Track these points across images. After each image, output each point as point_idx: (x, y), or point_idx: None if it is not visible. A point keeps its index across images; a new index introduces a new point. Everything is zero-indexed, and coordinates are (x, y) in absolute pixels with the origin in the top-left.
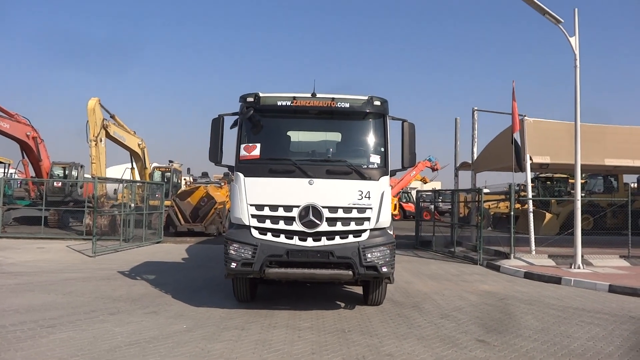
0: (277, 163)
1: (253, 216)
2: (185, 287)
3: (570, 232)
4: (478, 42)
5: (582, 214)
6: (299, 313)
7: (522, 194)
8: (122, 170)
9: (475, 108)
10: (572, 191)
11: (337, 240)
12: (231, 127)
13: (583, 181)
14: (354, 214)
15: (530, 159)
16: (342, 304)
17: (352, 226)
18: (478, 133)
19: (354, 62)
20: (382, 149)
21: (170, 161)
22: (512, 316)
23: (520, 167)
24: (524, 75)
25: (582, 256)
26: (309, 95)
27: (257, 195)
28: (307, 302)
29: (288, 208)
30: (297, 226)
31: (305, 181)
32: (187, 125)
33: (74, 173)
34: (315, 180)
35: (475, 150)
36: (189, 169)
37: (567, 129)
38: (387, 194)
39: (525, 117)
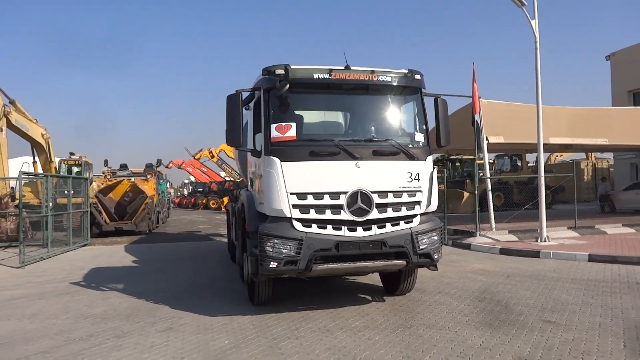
0: (319, 144)
1: (295, 206)
2: (174, 295)
3: (529, 207)
4: (433, 23)
5: (494, 191)
6: (335, 312)
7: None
8: (19, 164)
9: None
10: (480, 171)
11: (389, 228)
12: (245, 108)
13: (492, 161)
14: (405, 198)
15: (487, 139)
16: (368, 297)
17: (403, 211)
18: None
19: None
20: (424, 127)
21: (71, 153)
22: (543, 294)
23: (479, 147)
24: (474, 57)
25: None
26: (344, 67)
27: (298, 182)
28: (327, 298)
29: (335, 195)
30: (345, 215)
31: (351, 164)
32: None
33: None
34: (362, 162)
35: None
36: (106, 161)
37: (519, 110)
38: (434, 175)
39: (480, 99)
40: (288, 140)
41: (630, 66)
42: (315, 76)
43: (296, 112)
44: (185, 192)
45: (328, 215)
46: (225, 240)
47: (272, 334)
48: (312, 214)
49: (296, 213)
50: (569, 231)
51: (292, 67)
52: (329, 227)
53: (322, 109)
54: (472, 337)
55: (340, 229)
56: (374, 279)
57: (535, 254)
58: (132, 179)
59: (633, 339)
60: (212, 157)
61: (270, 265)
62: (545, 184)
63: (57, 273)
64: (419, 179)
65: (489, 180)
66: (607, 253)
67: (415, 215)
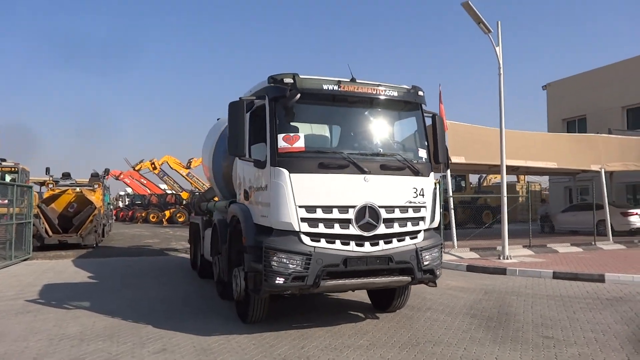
0: (328, 157)
1: (303, 219)
2: (151, 313)
3: (488, 225)
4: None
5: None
6: (333, 330)
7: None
8: None
9: None
10: None
11: (395, 243)
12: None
13: (437, 180)
14: (410, 213)
15: (449, 158)
16: (360, 314)
17: (409, 227)
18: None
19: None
20: (426, 143)
21: (2, 159)
22: (527, 310)
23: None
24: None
25: (501, 248)
26: (349, 80)
27: (307, 194)
28: (318, 316)
29: (343, 209)
30: (353, 230)
31: (360, 177)
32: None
33: None
34: (369, 176)
35: None
36: (48, 169)
37: (480, 132)
38: (437, 191)
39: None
40: (296, 151)
41: (565, 96)
42: (325, 87)
43: (302, 123)
44: (121, 204)
45: (337, 229)
46: (184, 255)
47: (279, 354)
48: (321, 228)
49: (305, 227)
50: (524, 249)
51: (300, 76)
52: (337, 241)
53: (327, 121)
54: (483, 354)
55: (348, 244)
56: (359, 296)
57: (502, 271)
58: (78, 188)
59: (634, 354)
60: (154, 168)
61: (277, 281)
62: (487, 205)
63: (6, 289)
64: (423, 195)
65: (451, 199)
66: (569, 271)
67: (419, 231)
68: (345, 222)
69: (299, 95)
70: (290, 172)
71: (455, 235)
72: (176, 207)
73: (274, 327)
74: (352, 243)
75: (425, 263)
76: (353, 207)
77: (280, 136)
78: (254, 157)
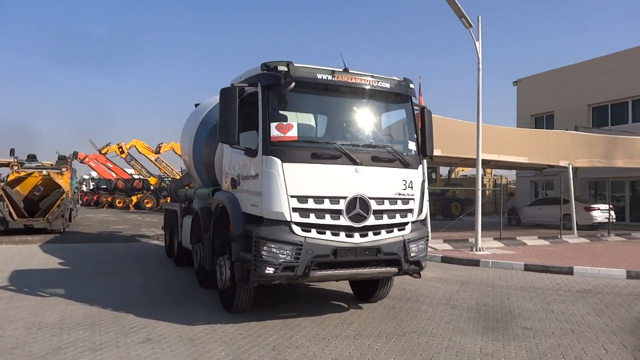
0: (321, 147)
1: (295, 210)
2: (130, 302)
3: (460, 218)
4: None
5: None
6: (319, 319)
7: None
8: None
9: None
10: None
11: (384, 235)
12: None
13: None
14: (399, 205)
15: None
16: (343, 304)
17: (397, 219)
18: None
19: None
20: (415, 136)
21: None
22: (504, 301)
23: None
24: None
25: (474, 240)
26: (342, 70)
27: (299, 184)
28: (302, 306)
29: (334, 200)
30: (344, 220)
31: (351, 168)
32: None
33: None
34: (361, 167)
35: None
36: (12, 150)
37: (455, 126)
38: (425, 183)
39: None
40: (288, 140)
41: (534, 93)
42: (319, 76)
43: (292, 112)
44: (85, 188)
45: (328, 220)
46: (156, 242)
47: (268, 344)
48: (312, 218)
49: (296, 217)
50: (495, 242)
51: (294, 64)
52: (328, 232)
53: (319, 111)
54: (468, 343)
55: (338, 234)
56: (339, 286)
57: (475, 263)
58: (45, 171)
59: (609, 344)
60: (122, 152)
61: (266, 271)
62: (455, 197)
63: None
64: (412, 187)
65: (427, 191)
66: (540, 263)
67: (407, 223)
68: (336, 213)
69: (293, 84)
70: (282, 162)
71: (430, 226)
72: (144, 193)
73: (259, 316)
74: (342, 234)
75: (412, 255)
76: (344, 198)
77: (273, 125)
78: (243, 144)
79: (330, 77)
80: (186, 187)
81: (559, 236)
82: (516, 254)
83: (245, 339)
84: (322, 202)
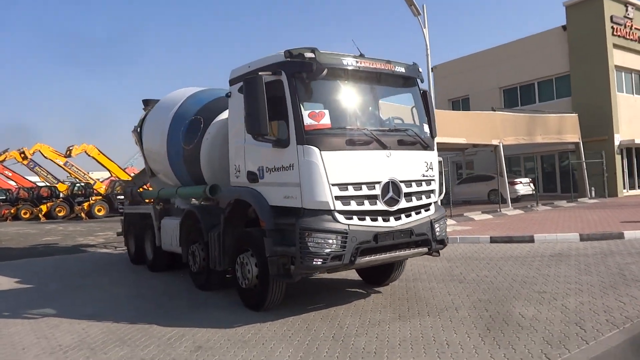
0: (354, 133)
1: (337, 198)
2: (140, 311)
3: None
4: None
5: None
6: (351, 307)
7: None
8: None
9: None
10: None
11: (414, 216)
12: (227, 95)
13: None
14: (424, 187)
15: None
16: (360, 290)
17: (424, 200)
18: None
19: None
20: (427, 118)
21: None
22: (499, 272)
23: None
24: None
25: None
26: (359, 55)
27: (338, 172)
28: (320, 297)
29: (371, 185)
30: (380, 205)
31: (382, 153)
32: None
33: None
34: (390, 151)
35: None
36: None
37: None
38: (442, 164)
39: None
40: (323, 128)
41: (449, 78)
42: (344, 62)
43: (319, 100)
44: None
45: (367, 206)
46: (105, 250)
47: (325, 336)
48: (353, 206)
49: (339, 205)
50: (449, 220)
51: (320, 51)
52: (367, 218)
53: (343, 97)
54: (496, 311)
55: (376, 219)
56: (342, 274)
57: None
58: None
59: (619, 297)
60: (24, 158)
61: (314, 262)
62: None
63: None
64: (432, 168)
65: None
66: (503, 234)
67: (431, 204)
68: (373, 198)
69: (326, 71)
70: (321, 150)
71: None
72: (54, 201)
73: (289, 312)
74: (380, 219)
75: (438, 233)
76: (379, 182)
77: (306, 113)
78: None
79: (355, 63)
80: (140, 189)
81: (499, 210)
82: (472, 228)
83: (300, 334)
84: (360, 189)
